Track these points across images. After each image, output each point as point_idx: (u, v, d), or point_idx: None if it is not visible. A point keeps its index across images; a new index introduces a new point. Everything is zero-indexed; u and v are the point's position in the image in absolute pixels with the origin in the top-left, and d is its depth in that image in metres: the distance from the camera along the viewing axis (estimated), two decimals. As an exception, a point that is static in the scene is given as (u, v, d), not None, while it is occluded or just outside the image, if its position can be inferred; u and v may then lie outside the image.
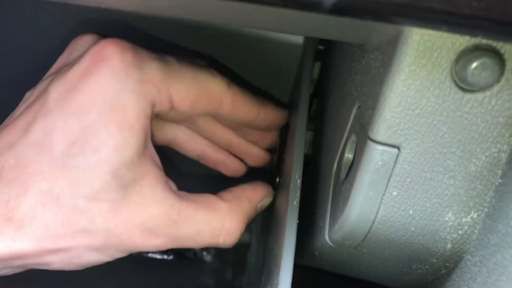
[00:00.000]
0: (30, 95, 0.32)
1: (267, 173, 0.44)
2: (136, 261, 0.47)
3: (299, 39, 0.41)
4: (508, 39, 0.19)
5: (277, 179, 0.38)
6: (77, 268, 0.31)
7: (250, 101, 0.36)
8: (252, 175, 0.46)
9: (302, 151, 0.32)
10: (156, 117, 0.32)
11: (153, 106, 0.30)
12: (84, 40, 0.32)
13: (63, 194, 0.28)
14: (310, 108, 0.42)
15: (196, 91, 0.32)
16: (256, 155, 0.40)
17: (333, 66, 0.37)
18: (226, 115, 0.35)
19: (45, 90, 0.30)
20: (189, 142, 0.38)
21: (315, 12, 0.19)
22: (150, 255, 0.48)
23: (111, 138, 0.28)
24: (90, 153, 0.28)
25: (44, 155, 0.28)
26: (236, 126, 0.38)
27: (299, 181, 0.31)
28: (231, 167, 0.40)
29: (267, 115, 0.37)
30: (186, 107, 0.32)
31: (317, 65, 0.43)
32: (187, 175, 0.46)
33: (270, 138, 0.40)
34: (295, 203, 0.30)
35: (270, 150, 0.42)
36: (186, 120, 0.37)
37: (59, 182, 0.28)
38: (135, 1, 0.25)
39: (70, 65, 0.31)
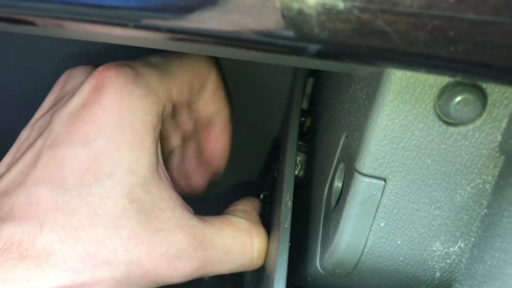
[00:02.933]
0: (29, 132, 0.31)
1: (251, 187, 0.44)
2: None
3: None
4: (486, 80, 0.19)
5: (262, 195, 0.39)
6: None
7: (226, 90, 0.36)
8: (236, 189, 0.46)
9: (293, 173, 0.33)
10: None
11: (159, 115, 0.30)
12: (77, 72, 0.32)
13: (81, 225, 0.27)
14: (304, 125, 0.43)
15: (188, 77, 0.32)
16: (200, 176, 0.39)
17: (325, 85, 0.38)
18: (205, 98, 0.34)
19: (48, 125, 0.29)
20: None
21: (299, 56, 0.19)
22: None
23: (123, 160, 0.28)
24: (104, 179, 0.27)
25: (57, 190, 0.27)
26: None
27: (290, 203, 0.31)
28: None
29: (227, 114, 0.37)
30: (185, 95, 0.32)
31: (310, 80, 0.44)
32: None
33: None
34: (286, 226, 0.30)
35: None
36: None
37: (76, 214, 0.27)
38: (128, 38, 0.26)
39: (67, 96, 0.30)
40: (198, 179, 0.39)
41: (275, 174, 0.40)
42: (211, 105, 0.35)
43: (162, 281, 0.29)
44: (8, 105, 0.42)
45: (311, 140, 0.40)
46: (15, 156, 0.30)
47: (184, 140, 0.37)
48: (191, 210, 0.31)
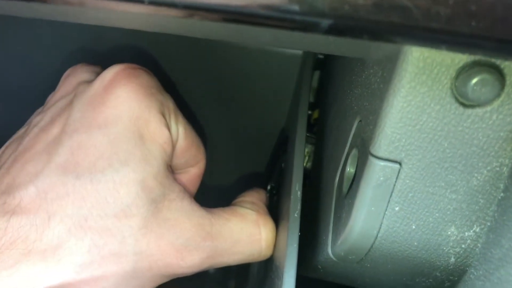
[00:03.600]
0: (40, 119, 0.30)
1: (259, 178, 0.44)
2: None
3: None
4: (508, 57, 0.19)
5: (269, 186, 0.39)
6: None
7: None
8: (243, 181, 0.46)
9: (302, 163, 0.32)
10: None
11: (170, 135, 0.30)
12: (80, 69, 0.33)
13: (91, 215, 0.26)
14: (311, 117, 0.43)
15: (194, 142, 0.33)
16: None
17: (333, 76, 0.37)
18: (185, 160, 0.33)
19: (65, 112, 0.29)
20: None
21: (312, 32, 0.19)
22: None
23: (138, 148, 0.28)
24: (118, 165, 0.27)
25: (69, 176, 0.27)
26: None
27: (299, 193, 0.31)
28: None
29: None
30: (181, 159, 0.32)
31: (317, 73, 0.44)
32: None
33: None
34: (296, 215, 0.30)
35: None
36: None
37: (86, 202, 0.26)
38: (140, 21, 0.26)
39: (83, 86, 0.30)
40: None
41: (283, 165, 0.40)
42: (189, 163, 0.33)
43: (171, 273, 0.29)
44: (9, 99, 0.41)
45: (319, 132, 0.40)
46: (23, 142, 0.30)
47: None
48: (197, 203, 0.31)
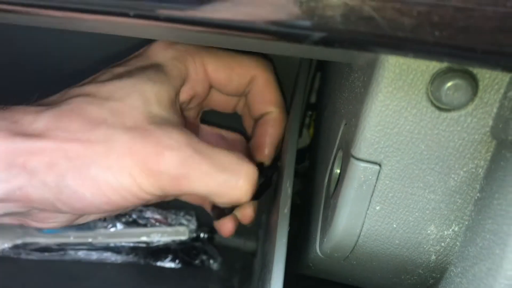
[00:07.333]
0: None
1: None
2: (144, 270, 0.48)
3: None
4: (472, 64, 0.20)
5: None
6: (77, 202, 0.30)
7: (278, 89, 0.38)
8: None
9: (294, 161, 0.33)
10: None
11: (188, 72, 0.34)
12: None
13: (92, 106, 0.30)
14: (310, 118, 0.44)
15: (229, 62, 0.35)
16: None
17: (328, 78, 0.38)
18: (254, 95, 0.37)
19: None
20: None
21: (302, 44, 0.20)
22: (158, 263, 0.49)
23: (145, 74, 0.32)
24: (125, 83, 0.32)
25: (87, 96, 0.31)
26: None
27: (289, 190, 0.32)
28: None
29: (278, 113, 0.38)
30: (222, 78, 0.35)
31: (319, 75, 0.44)
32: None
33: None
34: (285, 211, 0.31)
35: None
36: None
37: (93, 101, 0.31)
38: (129, 29, 0.27)
39: None
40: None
41: (278, 164, 0.41)
42: (262, 101, 0.37)
43: (149, 168, 0.30)
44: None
45: (315, 133, 0.41)
46: None
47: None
48: None
